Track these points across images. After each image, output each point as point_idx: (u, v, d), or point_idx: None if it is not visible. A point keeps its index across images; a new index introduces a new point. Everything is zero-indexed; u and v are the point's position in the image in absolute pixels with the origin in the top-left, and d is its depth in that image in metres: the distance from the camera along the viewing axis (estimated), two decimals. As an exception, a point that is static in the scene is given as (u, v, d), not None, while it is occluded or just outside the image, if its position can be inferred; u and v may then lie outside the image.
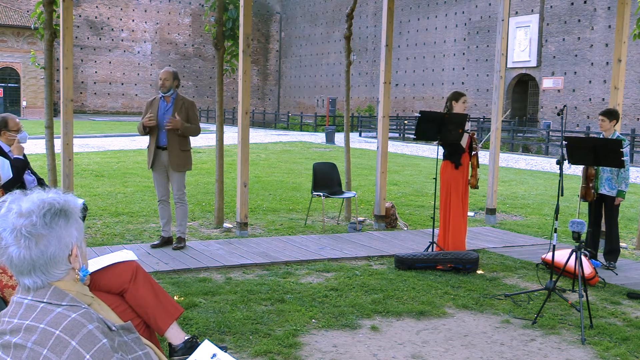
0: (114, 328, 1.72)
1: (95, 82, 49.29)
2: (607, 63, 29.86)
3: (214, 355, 2.05)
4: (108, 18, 49.40)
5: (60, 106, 7.40)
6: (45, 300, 1.68)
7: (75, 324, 1.63)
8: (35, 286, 1.68)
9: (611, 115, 6.74)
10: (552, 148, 27.00)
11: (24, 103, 44.04)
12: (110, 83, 49.87)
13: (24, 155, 6.04)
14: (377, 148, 8.71)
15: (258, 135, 30.40)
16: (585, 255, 6.12)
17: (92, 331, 1.62)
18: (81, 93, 48.44)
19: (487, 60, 36.50)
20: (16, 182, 5.35)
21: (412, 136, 25.21)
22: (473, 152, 6.86)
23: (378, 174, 8.62)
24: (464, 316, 5.05)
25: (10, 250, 1.65)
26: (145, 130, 6.73)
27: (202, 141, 22.44)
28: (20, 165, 5.53)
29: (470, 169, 6.88)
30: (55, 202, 1.70)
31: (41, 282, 1.68)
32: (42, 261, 1.67)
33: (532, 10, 33.96)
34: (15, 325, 1.67)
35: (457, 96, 6.91)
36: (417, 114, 7.16)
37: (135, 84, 50.64)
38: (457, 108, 6.83)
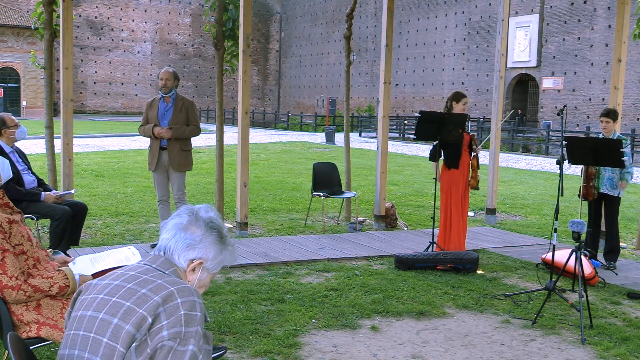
0: (208, 319, 1.97)
1: (95, 82, 49.30)
2: (607, 63, 29.86)
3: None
4: (108, 18, 49.41)
5: (60, 106, 7.40)
6: (166, 272, 1.98)
7: (189, 290, 1.89)
8: (160, 253, 2.02)
9: (614, 115, 6.74)
10: (552, 148, 27.00)
11: (24, 103, 44.04)
12: (110, 83, 49.88)
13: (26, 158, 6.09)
14: (377, 148, 8.70)
15: (258, 135, 30.40)
16: (585, 255, 6.12)
17: (196, 303, 1.87)
18: (81, 93, 48.44)
19: (487, 60, 36.50)
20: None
21: (412, 136, 25.21)
22: (473, 154, 6.86)
23: (378, 174, 8.62)
24: (464, 316, 5.05)
25: (172, 221, 2.04)
26: (154, 136, 6.75)
27: (202, 141, 22.44)
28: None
29: (470, 170, 6.88)
30: (225, 231, 2.08)
31: (163, 255, 2.02)
32: (178, 240, 2.00)
33: (532, 10, 33.96)
34: (131, 276, 1.94)
35: (457, 97, 6.88)
36: (417, 114, 7.17)
37: (135, 84, 50.65)
38: (457, 109, 6.82)
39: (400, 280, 5.95)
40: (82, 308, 1.94)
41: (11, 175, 3.48)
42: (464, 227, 6.93)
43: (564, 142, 5.96)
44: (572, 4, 32.22)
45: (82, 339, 1.88)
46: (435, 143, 6.82)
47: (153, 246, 6.87)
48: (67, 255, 3.75)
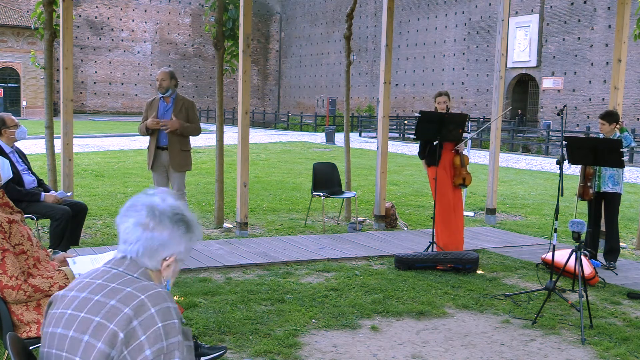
0: (183, 320, 1.92)
1: (95, 82, 49.30)
2: (607, 63, 29.86)
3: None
4: (108, 18, 49.41)
5: (60, 106, 7.40)
6: (135, 275, 1.87)
7: (160, 296, 1.80)
8: (124, 258, 1.90)
9: (611, 117, 6.72)
10: (552, 148, 27.00)
11: (24, 103, 44.05)
12: (110, 83, 49.89)
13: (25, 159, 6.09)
14: (377, 148, 8.71)
15: (258, 135, 30.40)
16: (585, 255, 6.12)
17: (170, 308, 1.80)
18: (81, 93, 48.45)
19: (487, 60, 36.49)
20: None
21: (412, 136, 25.20)
22: (458, 151, 6.93)
23: (378, 174, 8.62)
24: (464, 316, 5.05)
25: (131, 221, 1.89)
26: (148, 131, 6.75)
27: (202, 141, 22.44)
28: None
29: (453, 168, 6.95)
30: (188, 215, 1.97)
31: (129, 257, 1.89)
32: (145, 244, 1.87)
33: (532, 10, 33.96)
34: (98, 286, 1.84)
35: (435, 96, 7.16)
36: (417, 114, 7.21)
37: (135, 84, 50.65)
38: (437, 107, 7.04)
39: (400, 280, 5.95)
40: (52, 324, 1.87)
41: (11, 175, 3.48)
42: (456, 224, 6.96)
43: (564, 142, 5.96)
44: (572, 4, 32.22)
45: (56, 359, 1.82)
46: (433, 142, 6.88)
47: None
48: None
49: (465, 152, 7.10)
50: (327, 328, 4.65)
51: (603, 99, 30.17)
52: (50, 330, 1.86)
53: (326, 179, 8.77)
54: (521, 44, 34.43)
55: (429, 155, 6.95)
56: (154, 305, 1.77)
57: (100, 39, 49.17)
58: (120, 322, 1.74)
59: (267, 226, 8.55)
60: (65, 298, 1.88)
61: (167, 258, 1.92)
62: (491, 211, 9.29)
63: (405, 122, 33.54)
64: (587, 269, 5.87)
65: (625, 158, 6.16)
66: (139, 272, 1.88)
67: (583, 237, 6.04)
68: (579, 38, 31.88)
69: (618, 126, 6.73)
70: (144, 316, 1.74)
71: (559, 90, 33.00)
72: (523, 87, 36.26)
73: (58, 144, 7.62)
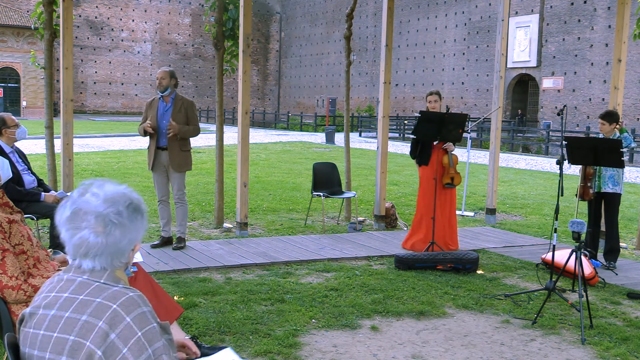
0: (158, 321, 1.80)
1: (95, 82, 49.30)
2: (607, 63, 29.86)
3: None
4: (108, 18, 49.41)
5: (60, 106, 7.40)
6: (102, 281, 1.75)
7: (132, 302, 1.71)
8: (92, 269, 1.77)
9: (611, 117, 6.71)
10: (552, 148, 27.01)
11: (24, 103, 44.05)
12: (110, 83, 49.89)
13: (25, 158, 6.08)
14: (377, 148, 8.71)
15: (258, 135, 30.40)
16: (585, 255, 6.12)
17: (146, 313, 1.71)
18: (81, 93, 48.45)
19: (487, 60, 36.49)
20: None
21: (412, 136, 25.18)
22: (447, 150, 6.96)
23: (378, 174, 8.62)
24: (464, 316, 5.05)
25: (85, 233, 1.72)
26: (146, 134, 6.76)
27: (202, 141, 22.44)
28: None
29: (442, 167, 6.99)
30: (134, 198, 1.80)
31: (99, 267, 1.76)
32: (113, 249, 1.75)
33: (532, 10, 33.96)
34: (66, 301, 1.73)
35: (426, 95, 7.23)
36: (417, 114, 7.22)
37: (135, 84, 50.65)
38: (429, 106, 7.13)
39: (400, 280, 5.95)
40: (27, 345, 1.79)
41: (11, 175, 3.48)
42: (449, 223, 6.99)
43: (564, 142, 5.96)
44: (572, 4, 32.22)
45: None
46: (432, 142, 6.92)
47: (153, 246, 6.86)
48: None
49: (455, 152, 7.13)
50: (327, 328, 4.65)
51: (603, 99, 30.17)
52: (27, 352, 1.78)
53: (326, 179, 8.77)
54: (521, 44, 34.43)
55: (420, 154, 6.99)
56: (129, 314, 1.68)
57: (100, 39, 49.18)
58: (96, 338, 1.65)
59: (267, 226, 8.55)
60: (35, 316, 1.79)
61: (133, 248, 1.84)
62: (491, 211, 9.29)
63: (405, 122, 33.53)
64: (587, 269, 5.87)
65: (625, 158, 6.15)
66: (106, 276, 1.77)
67: (583, 237, 6.04)
68: (579, 38, 31.88)
69: (618, 126, 6.73)
70: (120, 327, 1.66)
71: (559, 90, 33.00)
72: (523, 87, 36.27)
73: (58, 144, 7.62)
